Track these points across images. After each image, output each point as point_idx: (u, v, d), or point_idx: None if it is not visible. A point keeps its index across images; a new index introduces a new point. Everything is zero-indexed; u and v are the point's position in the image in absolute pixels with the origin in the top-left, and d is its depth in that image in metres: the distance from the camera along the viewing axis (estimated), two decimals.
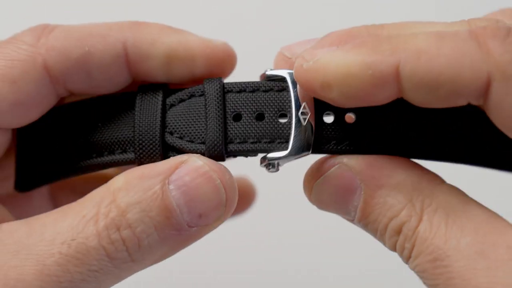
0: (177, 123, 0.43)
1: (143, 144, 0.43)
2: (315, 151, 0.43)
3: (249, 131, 0.43)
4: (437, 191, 0.41)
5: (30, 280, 0.39)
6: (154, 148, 0.43)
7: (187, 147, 0.43)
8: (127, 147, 0.44)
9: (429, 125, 0.43)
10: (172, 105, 0.44)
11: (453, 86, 0.38)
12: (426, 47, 0.38)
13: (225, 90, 0.43)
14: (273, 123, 0.43)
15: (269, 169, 0.43)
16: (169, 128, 0.43)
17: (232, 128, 0.43)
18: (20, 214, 0.46)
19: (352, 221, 0.43)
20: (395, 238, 0.41)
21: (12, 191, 0.49)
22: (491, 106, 0.39)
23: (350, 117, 0.43)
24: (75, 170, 0.45)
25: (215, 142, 0.42)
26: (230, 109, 0.43)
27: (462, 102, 0.39)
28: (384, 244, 0.42)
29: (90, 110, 0.45)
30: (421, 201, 0.40)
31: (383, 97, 0.40)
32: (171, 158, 0.42)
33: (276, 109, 0.43)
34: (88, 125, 0.45)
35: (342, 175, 0.42)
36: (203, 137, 0.43)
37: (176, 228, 0.41)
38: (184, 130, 0.43)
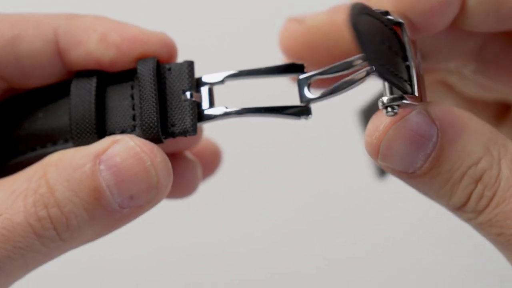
0: (112, 105, 0.43)
1: (80, 132, 0.43)
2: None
3: None
4: (509, 144, 0.41)
5: None
6: (90, 135, 0.43)
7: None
8: (68, 137, 0.44)
9: None
10: (107, 89, 0.44)
11: None
12: None
13: None
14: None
15: (388, 111, 0.41)
16: (106, 112, 0.43)
17: None
18: None
19: (411, 174, 0.42)
20: (471, 187, 0.40)
21: None
22: None
23: None
24: (21, 166, 0.45)
25: (150, 124, 0.42)
26: None
27: None
28: (449, 198, 0.41)
29: (31, 101, 0.45)
30: (498, 150, 0.41)
31: (447, 19, 0.42)
32: (105, 138, 0.42)
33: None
34: (30, 117, 0.45)
35: (421, 120, 0.41)
36: (138, 120, 0.43)
37: (106, 209, 0.41)
38: (119, 113, 0.43)
